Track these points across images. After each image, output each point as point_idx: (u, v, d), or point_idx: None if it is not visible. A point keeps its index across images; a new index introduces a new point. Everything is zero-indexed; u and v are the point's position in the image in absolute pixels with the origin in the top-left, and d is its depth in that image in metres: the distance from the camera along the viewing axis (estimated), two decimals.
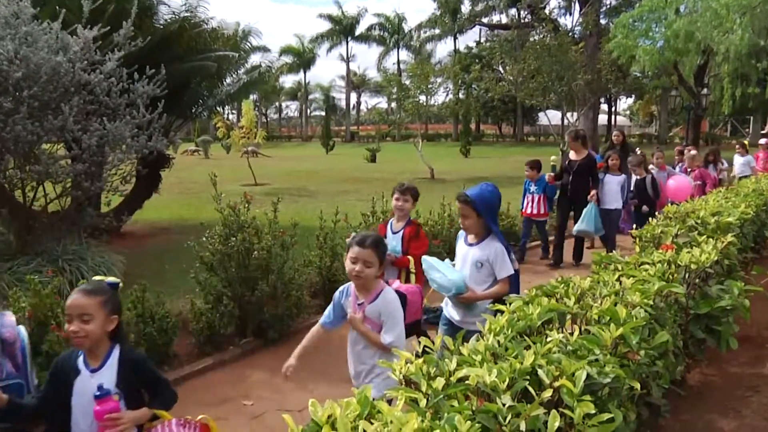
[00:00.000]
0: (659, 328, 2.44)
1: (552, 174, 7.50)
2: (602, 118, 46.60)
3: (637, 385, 1.94)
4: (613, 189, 7.29)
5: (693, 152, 8.68)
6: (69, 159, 6.25)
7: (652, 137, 46.88)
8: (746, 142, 12.07)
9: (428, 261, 3.16)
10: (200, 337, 4.52)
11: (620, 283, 2.65)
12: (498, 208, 3.17)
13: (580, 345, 1.95)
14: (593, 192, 7.11)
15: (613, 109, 53.26)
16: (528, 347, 1.87)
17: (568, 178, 7.34)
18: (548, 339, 1.94)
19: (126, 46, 6.23)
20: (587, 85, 19.36)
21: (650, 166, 7.98)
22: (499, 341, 1.94)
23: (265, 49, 32.52)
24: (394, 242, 3.85)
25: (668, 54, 17.04)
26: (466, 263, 3.15)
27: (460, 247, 3.25)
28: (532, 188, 7.64)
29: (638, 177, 7.47)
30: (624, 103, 65.36)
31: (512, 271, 3.04)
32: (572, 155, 7.44)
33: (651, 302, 2.46)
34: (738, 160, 10.91)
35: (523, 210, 7.73)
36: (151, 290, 4.39)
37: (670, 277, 2.92)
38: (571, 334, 2.02)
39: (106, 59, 6.03)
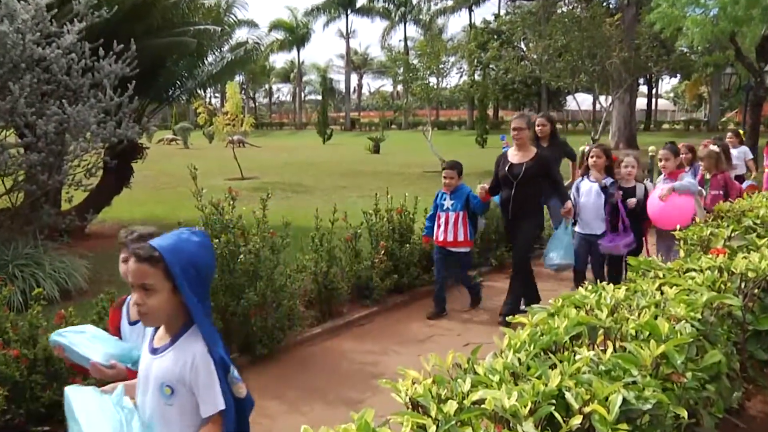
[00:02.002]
0: (709, 347, 2.41)
1: (485, 186, 5.72)
2: (641, 102, 46.62)
3: (684, 413, 1.91)
4: (593, 203, 5.64)
5: (712, 148, 7.00)
6: (21, 148, 6.25)
7: (700, 123, 46.69)
8: (741, 131, 11.11)
9: (67, 395, 1.96)
10: None
11: (661, 293, 2.63)
12: (210, 273, 1.96)
13: (615, 364, 1.93)
14: (568, 205, 5.45)
15: (653, 91, 53.20)
16: (553, 366, 1.85)
17: (509, 191, 5.52)
18: (577, 357, 1.92)
19: (88, 17, 6.22)
20: (624, 63, 19.30)
21: (658, 180, 6.12)
22: (519, 359, 1.93)
23: (252, 24, 32.68)
24: (136, 341, 2.46)
25: (724, 24, 16.62)
26: (148, 387, 1.92)
27: (144, 355, 1.99)
28: (447, 202, 5.87)
29: (626, 185, 5.70)
30: (667, 84, 65.31)
31: (223, 405, 1.84)
32: (513, 155, 5.61)
33: (699, 316, 2.43)
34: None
35: (434, 236, 5.98)
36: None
37: (722, 286, 2.89)
38: (604, 351, 2.00)
39: (64, 31, 6.01)
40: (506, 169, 5.54)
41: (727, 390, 2.57)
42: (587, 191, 5.70)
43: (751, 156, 9.82)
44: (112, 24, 6.74)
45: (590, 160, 5.78)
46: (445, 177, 5.90)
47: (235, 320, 4.73)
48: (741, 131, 10.80)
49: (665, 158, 5.84)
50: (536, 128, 6.78)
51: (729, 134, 9.90)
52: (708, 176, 6.72)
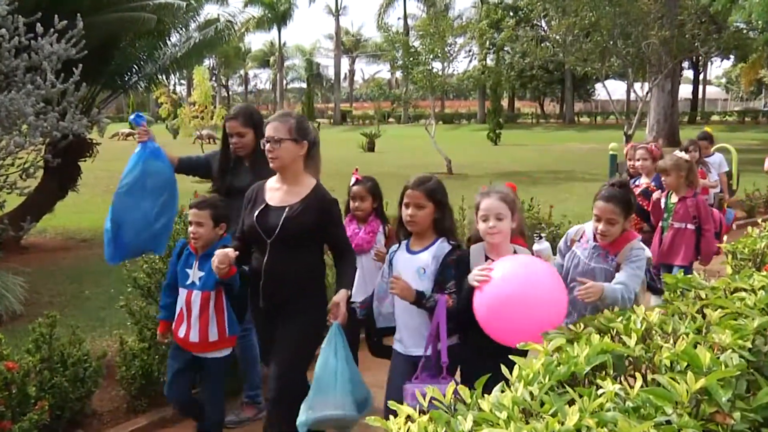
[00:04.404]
0: (764, 382, 2.40)
1: (229, 252, 3.48)
2: (685, 90, 46.78)
3: None
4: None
5: (680, 155, 5.70)
6: None
7: (759, 114, 46.69)
8: (709, 128, 9.14)
9: None
10: (132, 387, 4.51)
11: (703, 317, 2.63)
12: None
13: (645, 400, 1.93)
14: (336, 299, 3.47)
15: (701, 76, 53.46)
16: (572, 402, 1.86)
17: (261, 257, 3.60)
18: (600, 391, 1.92)
19: None
20: (664, 44, 19.39)
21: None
22: (532, 393, 1.93)
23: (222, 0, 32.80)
24: None
25: None
26: None
27: None
28: (193, 273, 3.96)
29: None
30: (718, 67, 65.66)
31: None
32: (273, 191, 3.68)
33: (749, 344, 2.43)
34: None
35: (174, 327, 4.06)
36: (63, 324, 4.38)
37: None
38: (632, 385, 2.00)
39: None
40: (255, 215, 3.59)
41: None
42: (403, 270, 3.43)
43: (726, 168, 8.26)
44: None
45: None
46: (191, 221, 3.95)
47: None
48: (710, 129, 8.93)
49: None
50: (227, 123, 4.48)
51: (699, 138, 8.15)
52: (673, 199, 5.49)
